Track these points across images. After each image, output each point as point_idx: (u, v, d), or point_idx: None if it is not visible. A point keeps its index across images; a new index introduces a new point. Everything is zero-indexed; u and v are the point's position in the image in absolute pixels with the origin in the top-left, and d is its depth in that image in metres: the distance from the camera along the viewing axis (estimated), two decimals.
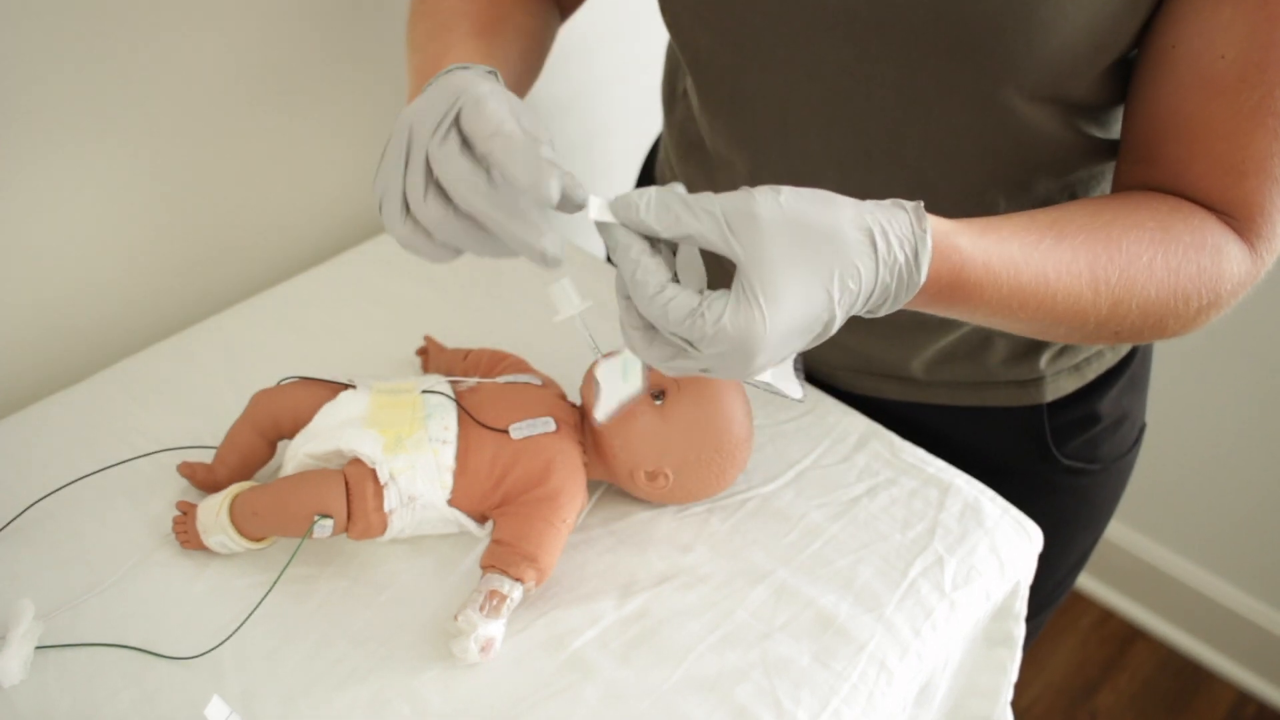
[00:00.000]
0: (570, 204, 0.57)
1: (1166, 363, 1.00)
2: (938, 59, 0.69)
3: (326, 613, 0.73)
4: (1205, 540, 1.83)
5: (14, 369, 0.90)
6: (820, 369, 0.93)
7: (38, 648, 0.68)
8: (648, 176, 1.08)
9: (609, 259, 1.13)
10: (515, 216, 0.56)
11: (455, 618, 0.70)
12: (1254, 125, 0.65)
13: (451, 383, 0.79)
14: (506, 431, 0.75)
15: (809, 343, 0.59)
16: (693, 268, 0.59)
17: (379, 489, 0.73)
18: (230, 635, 0.70)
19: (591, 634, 0.73)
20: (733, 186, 0.84)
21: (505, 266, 1.03)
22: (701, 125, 0.85)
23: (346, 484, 0.73)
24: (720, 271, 0.60)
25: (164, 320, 0.97)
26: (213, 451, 0.80)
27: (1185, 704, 1.84)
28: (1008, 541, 0.81)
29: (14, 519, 0.76)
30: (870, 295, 0.58)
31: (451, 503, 0.74)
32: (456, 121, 0.57)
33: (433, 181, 0.58)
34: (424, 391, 0.77)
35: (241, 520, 0.73)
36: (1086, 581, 1.98)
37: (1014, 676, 0.85)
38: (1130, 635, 1.93)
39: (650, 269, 0.56)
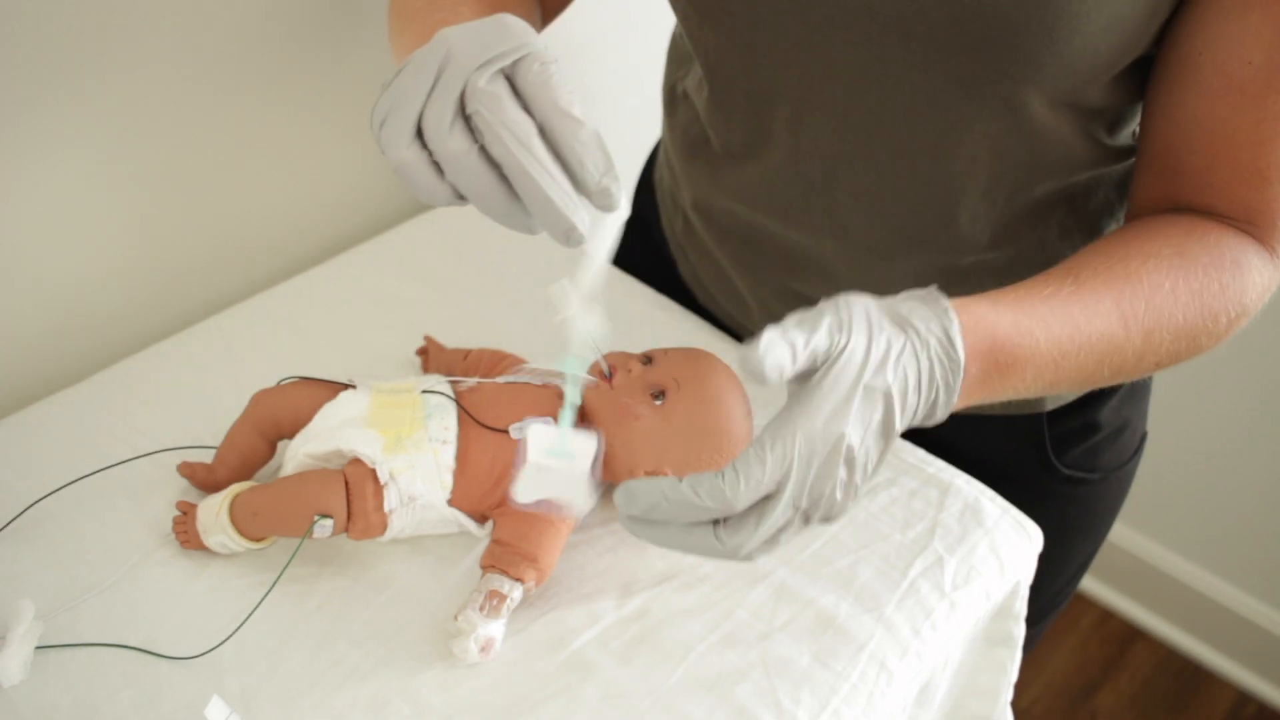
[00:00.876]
0: (609, 208, 0.56)
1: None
2: (957, 58, 0.69)
3: (326, 613, 0.73)
4: (1205, 540, 1.84)
5: (14, 369, 0.90)
6: None
7: (38, 648, 0.68)
8: (646, 182, 1.07)
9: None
10: (555, 183, 0.53)
11: (455, 618, 0.70)
12: (1278, 131, 0.65)
13: (451, 383, 0.79)
14: (506, 431, 0.75)
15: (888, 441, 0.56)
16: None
17: (379, 489, 0.73)
18: (230, 635, 0.70)
19: (591, 634, 0.73)
20: (741, 187, 0.85)
21: (506, 267, 1.03)
22: (710, 125, 0.85)
23: (346, 484, 0.73)
24: None
25: (164, 320, 0.97)
26: (213, 451, 0.80)
27: (1185, 704, 1.84)
28: (1007, 541, 0.81)
29: (14, 519, 0.76)
30: (920, 387, 0.56)
31: (451, 503, 0.74)
32: (511, 70, 0.54)
33: (462, 114, 0.54)
34: (424, 391, 0.77)
35: (241, 520, 0.73)
36: (1086, 582, 1.98)
37: (1014, 676, 0.85)
38: (1130, 635, 1.94)
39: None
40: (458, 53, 0.54)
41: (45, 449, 0.82)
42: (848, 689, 0.71)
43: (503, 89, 0.54)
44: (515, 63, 0.54)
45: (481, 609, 0.70)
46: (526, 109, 0.54)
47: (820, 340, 0.54)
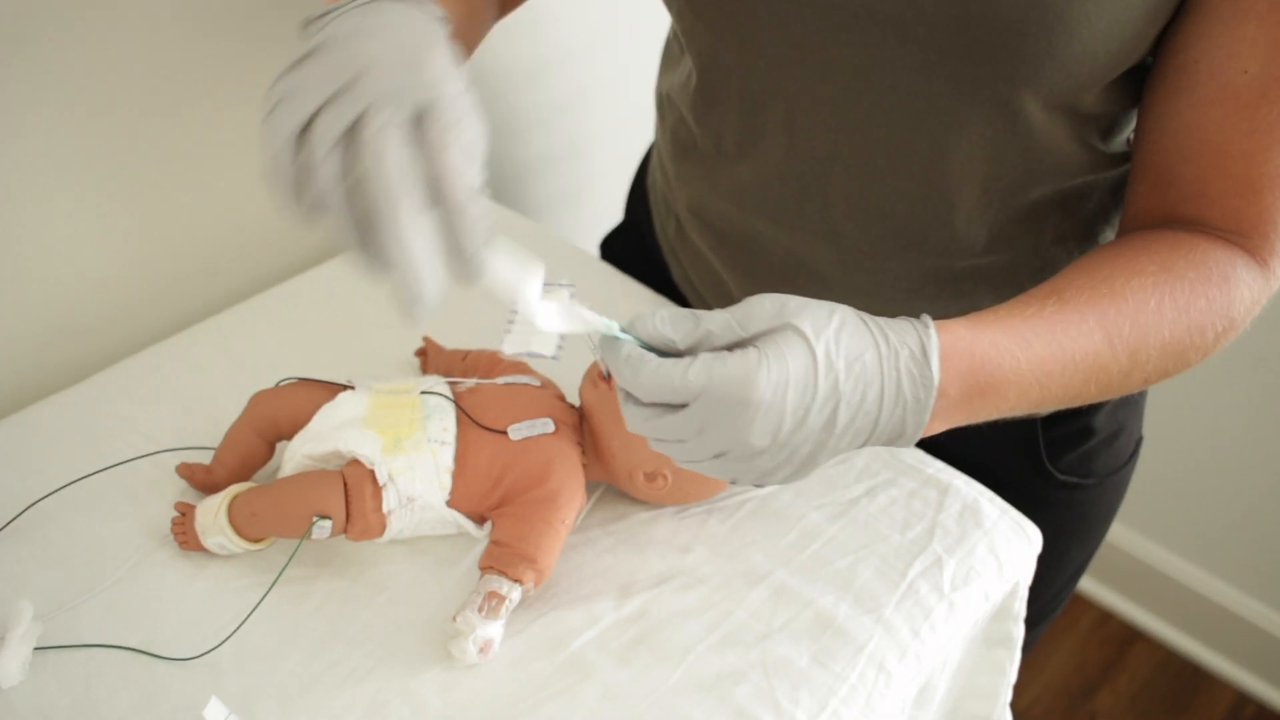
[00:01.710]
0: (470, 281, 0.53)
1: None
2: (955, 60, 0.69)
3: (325, 614, 0.73)
4: (1204, 541, 1.84)
5: (14, 369, 0.90)
6: None
7: (36, 649, 0.68)
8: (639, 187, 1.07)
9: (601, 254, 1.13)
10: (409, 252, 0.50)
11: (454, 619, 0.70)
12: (1272, 141, 0.65)
13: (450, 384, 0.79)
14: (505, 432, 0.75)
15: (823, 441, 0.57)
16: None
17: (377, 490, 0.73)
18: (229, 636, 0.70)
19: (590, 635, 0.73)
20: (735, 188, 0.85)
21: None
22: (703, 126, 0.85)
23: (345, 485, 0.73)
24: None
25: (164, 320, 0.97)
26: (211, 452, 0.80)
27: (1185, 705, 1.84)
28: (1006, 542, 0.81)
29: (13, 519, 0.76)
30: (881, 394, 0.57)
31: (450, 504, 0.74)
32: (421, 111, 0.51)
33: (346, 140, 0.50)
34: (423, 392, 0.77)
35: (240, 521, 0.73)
36: (1085, 582, 1.98)
37: (1013, 677, 0.85)
38: (1129, 636, 1.94)
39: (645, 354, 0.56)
40: (370, 74, 0.51)
41: (45, 449, 0.82)
42: (847, 690, 0.71)
43: (400, 130, 0.51)
44: (428, 104, 0.52)
45: (480, 610, 0.70)
46: (424, 154, 0.51)
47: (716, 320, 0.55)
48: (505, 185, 1.24)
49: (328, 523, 0.72)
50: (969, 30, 0.67)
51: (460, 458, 0.75)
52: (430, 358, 0.90)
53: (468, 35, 0.70)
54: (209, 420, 0.83)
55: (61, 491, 0.78)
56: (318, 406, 0.77)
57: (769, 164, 0.80)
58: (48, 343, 0.91)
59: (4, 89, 0.79)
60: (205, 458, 0.80)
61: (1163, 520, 1.86)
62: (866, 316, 0.58)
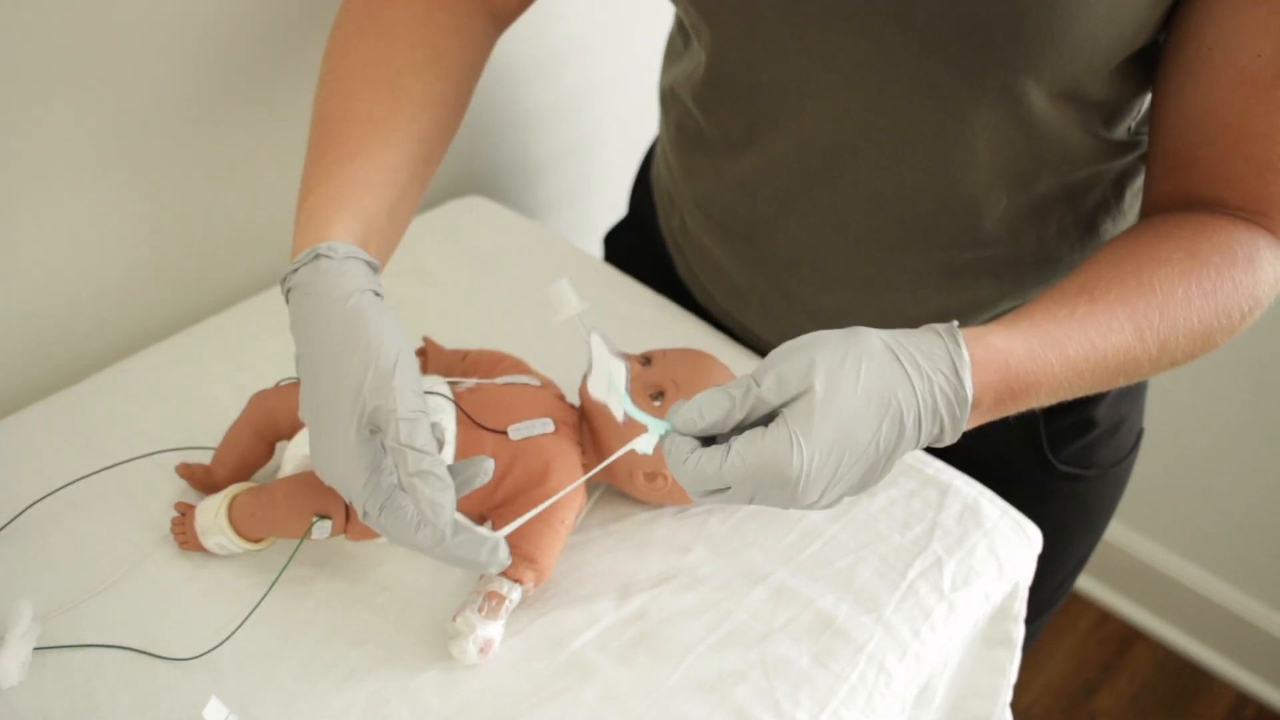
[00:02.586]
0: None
1: None
2: (957, 46, 0.69)
3: (325, 614, 0.73)
4: (1204, 541, 1.83)
5: (14, 369, 0.90)
6: None
7: (36, 649, 0.68)
8: (643, 181, 1.07)
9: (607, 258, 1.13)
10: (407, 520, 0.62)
11: (454, 619, 0.70)
12: None
13: (450, 383, 0.79)
14: (505, 432, 0.75)
15: (870, 473, 0.59)
16: None
17: None
18: (229, 636, 0.70)
19: (590, 635, 0.73)
20: (742, 179, 0.85)
21: (506, 267, 1.03)
22: (709, 116, 0.85)
23: None
24: None
25: (164, 320, 0.97)
26: (211, 452, 0.80)
27: (1184, 705, 1.84)
28: (1007, 542, 0.81)
29: (13, 519, 0.76)
30: (919, 419, 0.58)
31: None
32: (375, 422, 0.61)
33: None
34: (424, 393, 0.77)
35: (240, 521, 0.73)
36: (1085, 582, 1.98)
37: (1013, 677, 0.85)
38: (1129, 636, 1.94)
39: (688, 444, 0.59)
40: (330, 403, 0.62)
41: (45, 449, 0.82)
42: (847, 690, 0.71)
43: (371, 457, 0.62)
44: (392, 425, 0.60)
45: (480, 610, 0.70)
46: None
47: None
48: (509, 182, 1.24)
49: (327, 523, 0.72)
50: (968, 16, 0.67)
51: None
52: (430, 358, 0.90)
53: (429, 159, 0.76)
54: (209, 420, 0.83)
55: (61, 491, 0.78)
56: None
57: (776, 153, 0.81)
58: (48, 342, 0.91)
59: (5, 91, 0.79)
60: (205, 458, 0.80)
61: (1163, 520, 1.86)
62: (896, 343, 0.59)
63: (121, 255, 0.93)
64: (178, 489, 0.80)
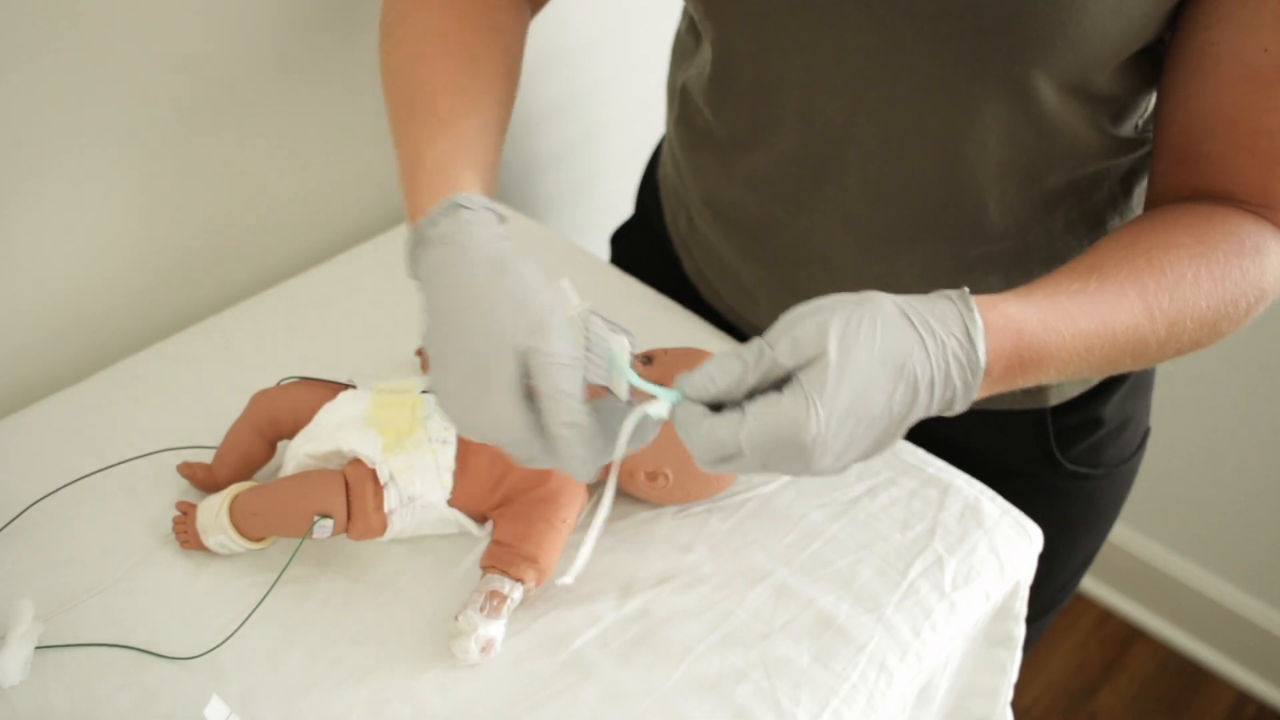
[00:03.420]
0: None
1: (1167, 363, 0.99)
2: (966, 39, 0.69)
3: (326, 613, 0.73)
4: (1205, 540, 1.83)
5: (14, 369, 0.90)
6: None
7: (37, 648, 0.68)
8: (650, 180, 1.07)
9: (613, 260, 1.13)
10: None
11: (455, 618, 0.70)
12: None
13: None
14: None
15: (883, 438, 0.59)
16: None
17: (379, 489, 0.73)
18: (230, 635, 0.70)
19: (591, 634, 0.73)
20: (750, 175, 0.85)
21: None
22: (717, 114, 0.85)
23: (346, 484, 0.73)
24: None
25: (164, 320, 0.97)
26: (212, 452, 0.80)
27: (1185, 704, 1.84)
28: (1007, 542, 0.81)
29: (14, 519, 0.76)
30: (932, 384, 0.58)
31: (451, 503, 0.74)
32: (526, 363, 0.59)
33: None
34: (424, 392, 0.77)
35: (241, 520, 0.73)
36: (1086, 581, 1.98)
37: (1014, 677, 0.85)
38: (1130, 635, 1.94)
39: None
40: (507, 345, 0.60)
41: (45, 449, 0.82)
42: (847, 689, 0.71)
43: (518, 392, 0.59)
44: (536, 373, 0.59)
45: (482, 609, 0.70)
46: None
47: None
48: (515, 181, 1.24)
49: (329, 522, 0.72)
50: (977, 9, 0.67)
51: (461, 457, 0.74)
52: None
53: (506, 107, 0.76)
54: (210, 419, 0.83)
55: (62, 491, 0.78)
56: (319, 406, 0.77)
57: (785, 149, 0.81)
58: (48, 342, 0.91)
59: (5, 91, 0.79)
60: (206, 457, 0.80)
61: (1164, 519, 1.86)
62: (909, 307, 0.58)
63: (122, 255, 0.93)
64: (179, 488, 0.80)
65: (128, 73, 0.86)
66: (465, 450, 0.75)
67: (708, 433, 0.56)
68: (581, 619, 0.74)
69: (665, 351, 0.80)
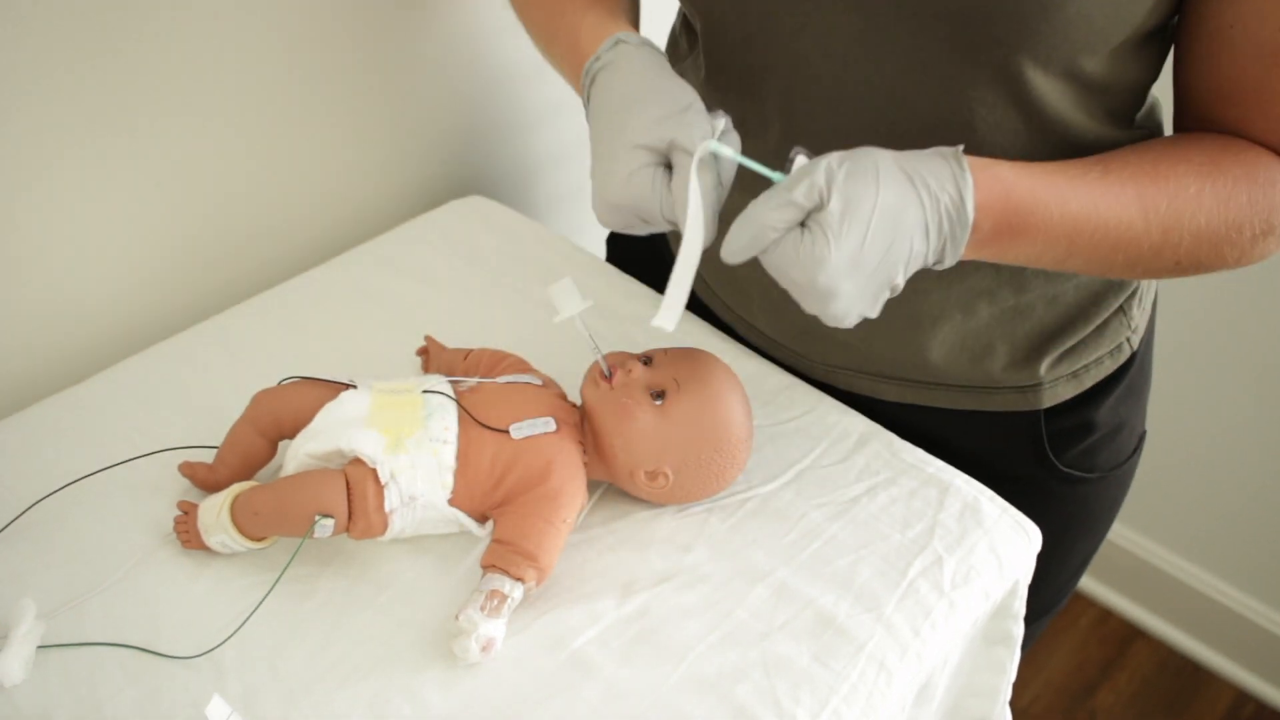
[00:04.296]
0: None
1: (1166, 361, 0.99)
2: (950, 23, 0.70)
3: (327, 612, 0.73)
4: (1205, 540, 1.84)
5: (14, 369, 0.90)
6: (819, 368, 0.93)
7: (39, 647, 0.68)
8: None
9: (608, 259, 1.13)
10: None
11: (456, 617, 0.70)
12: None
13: (452, 383, 0.79)
14: (507, 431, 0.75)
15: (884, 285, 0.65)
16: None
17: (380, 489, 0.73)
18: (231, 635, 0.70)
19: (592, 633, 0.73)
20: (741, 170, 0.85)
21: (506, 267, 1.03)
22: (711, 110, 0.85)
23: (347, 484, 0.73)
24: None
25: (164, 320, 0.97)
26: (213, 451, 0.80)
27: (1184, 704, 1.84)
28: (1006, 541, 0.81)
29: (15, 519, 0.76)
30: (927, 234, 0.64)
31: (452, 502, 0.75)
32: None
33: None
34: (425, 391, 0.77)
35: (242, 520, 0.73)
36: (1086, 581, 1.98)
37: (1013, 676, 0.85)
38: (1130, 635, 1.94)
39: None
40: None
41: (47, 448, 0.83)
42: (847, 689, 0.71)
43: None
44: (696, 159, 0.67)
45: (482, 608, 0.70)
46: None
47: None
48: (510, 181, 1.24)
49: (330, 521, 0.72)
50: None
51: (462, 457, 0.75)
52: (432, 357, 0.90)
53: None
54: (211, 419, 0.84)
55: (64, 491, 0.78)
56: (320, 405, 0.77)
57: (773, 141, 0.81)
58: (49, 342, 0.91)
59: (5, 91, 0.80)
60: (207, 457, 0.80)
61: (1163, 518, 1.86)
62: (907, 164, 0.64)
63: (122, 255, 0.93)
64: (180, 488, 0.80)
65: (129, 73, 0.86)
66: (466, 450, 0.75)
67: (761, 213, 0.64)
68: (582, 618, 0.74)
69: (665, 352, 0.80)
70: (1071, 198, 0.67)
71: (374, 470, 0.73)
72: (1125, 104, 0.78)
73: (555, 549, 0.74)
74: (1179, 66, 0.75)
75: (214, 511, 0.74)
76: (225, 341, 0.94)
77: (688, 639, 0.73)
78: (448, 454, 0.74)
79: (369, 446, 0.73)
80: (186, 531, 0.75)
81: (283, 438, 0.79)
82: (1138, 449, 0.97)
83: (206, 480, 0.78)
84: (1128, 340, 0.90)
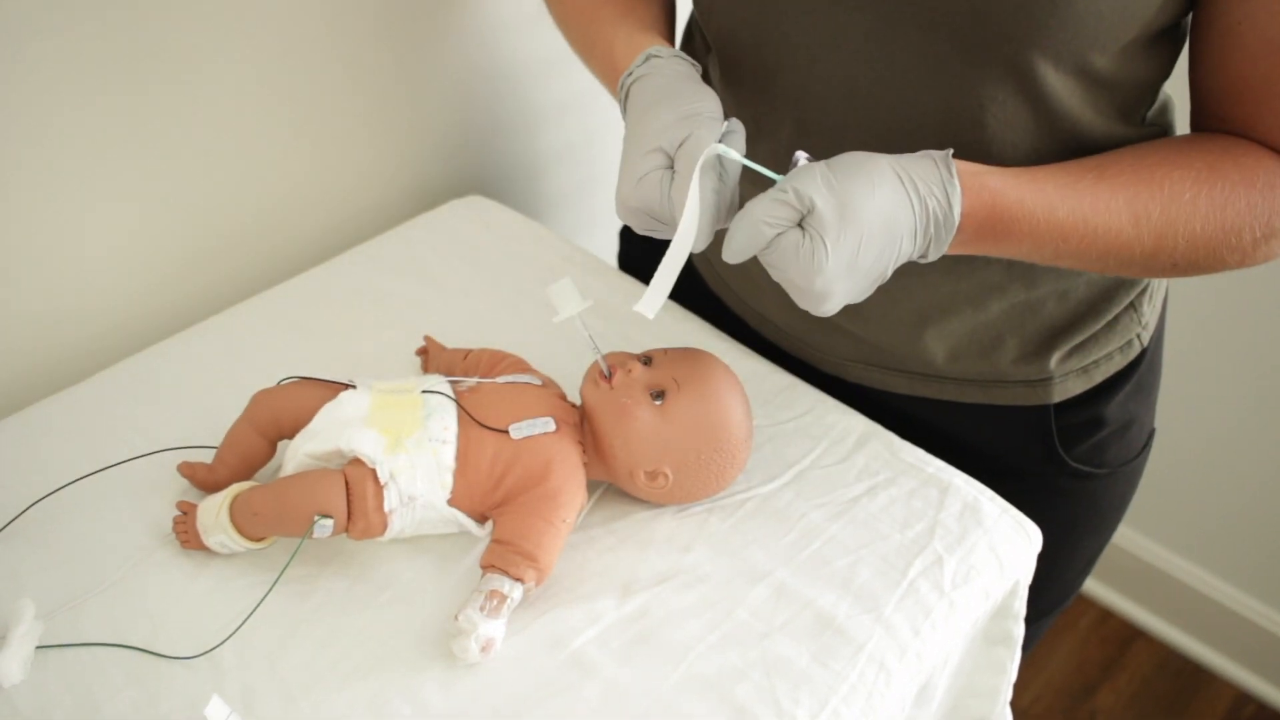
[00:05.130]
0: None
1: (1167, 362, 0.99)
2: (960, 20, 0.70)
3: (327, 612, 0.73)
4: (1205, 540, 1.84)
5: (14, 369, 0.90)
6: (829, 361, 0.93)
7: (38, 647, 0.68)
8: None
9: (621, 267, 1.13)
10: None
11: (456, 617, 0.70)
12: None
13: (451, 383, 0.79)
14: (506, 431, 0.75)
15: (875, 283, 0.68)
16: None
17: (379, 489, 0.73)
18: (230, 635, 0.70)
19: (592, 633, 0.73)
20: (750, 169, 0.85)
21: (506, 267, 1.03)
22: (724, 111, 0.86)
23: (347, 484, 0.73)
24: None
25: (164, 320, 0.97)
26: (213, 451, 0.80)
27: (1184, 704, 1.84)
28: (1007, 541, 0.81)
29: (14, 519, 0.76)
30: (914, 235, 0.66)
31: (451, 503, 0.75)
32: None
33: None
34: (424, 391, 0.77)
35: (242, 520, 0.73)
36: (1087, 581, 1.97)
37: (1013, 676, 0.85)
38: (1130, 635, 1.94)
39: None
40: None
41: (45, 449, 0.83)
42: (847, 689, 0.71)
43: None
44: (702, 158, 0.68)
45: (482, 608, 0.70)
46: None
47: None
48: (510, 181, 1.24)
49: (329, 521, 0.72)
50: None
51: (461, 457, 0.75)
52: (431, 357, 0.90)
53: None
54: (210, 419, 0.84)
55: (63, 491, 0.78)
56: (319, 405, 0.77)
57: (784, 140, 0.81)
58: (48, 342, 0.91)
59: (5, 91, 0.80)
60: (207, 457, 0.80)
61: (1164, 519, 1.86)
62: (899, 167, 0.66)
63: (123, 255, 0.93)
64: (179, 488, 0.80)
65: (130, 75, 0.86)
66: (465, 450, 0.75)
67: (760, 213, 0.65)
68: (581, 618, 0.74)
69: (665, 353, 0.80)
70: (1060, 205, 0.69)
71: (373, 470, 0.73)
72: (1136, 101, 0.78)
73: (555, 549, 0.74)
74: (1192, 65, 0.75)
75: (213, 512, 0.73)
76: (225, 341, 0.94)
77: (687, 639, 0.73)
78: (447, 454, 0.74)
79: (368, 446, 0.73)
80: (185, 532, 0.75)
81: (282, 438, 0.79)
82: (1147, 446, 0.97)
83: (206, 480, 0.78)
84: (1138, 336, 0.90)
